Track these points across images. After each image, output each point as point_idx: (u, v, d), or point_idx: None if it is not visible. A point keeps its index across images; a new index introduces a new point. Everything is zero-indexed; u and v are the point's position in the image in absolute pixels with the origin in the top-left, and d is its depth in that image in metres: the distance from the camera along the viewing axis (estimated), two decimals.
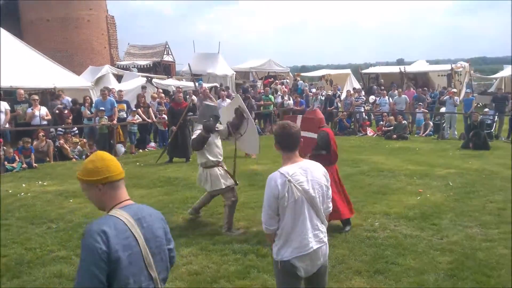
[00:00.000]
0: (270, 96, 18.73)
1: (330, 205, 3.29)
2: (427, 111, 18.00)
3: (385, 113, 17.44)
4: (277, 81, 25.91)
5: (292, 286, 3.15)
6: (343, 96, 21.04)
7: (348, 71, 29.55)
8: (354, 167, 10.24)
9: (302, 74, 33.90)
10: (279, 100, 19.70)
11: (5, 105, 12.09)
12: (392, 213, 6.90)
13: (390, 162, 11.04)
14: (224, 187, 6.34)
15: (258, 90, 19.31)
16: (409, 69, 28.14)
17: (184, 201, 7.82)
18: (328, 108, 18.49)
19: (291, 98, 19.71)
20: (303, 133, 6.82)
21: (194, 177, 9.60)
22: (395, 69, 28.50)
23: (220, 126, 6.73)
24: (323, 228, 3.20)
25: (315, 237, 3.12)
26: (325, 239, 3.21)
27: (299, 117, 6.60)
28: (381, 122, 17.48)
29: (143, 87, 17.13)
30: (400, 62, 64.78)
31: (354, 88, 22.42)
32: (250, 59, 31.76)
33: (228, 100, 16.45)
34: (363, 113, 18.89)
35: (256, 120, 17.03)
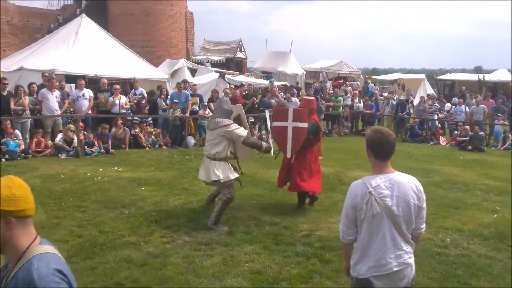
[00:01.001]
0: (339, 97, 18.50)
1: (423, 226, 3.03)
2: (507, 123, 16.98)
3: (461, 123, 16.66)
4: (347, 82, 25.54)
5: None
6: (416, 101, 20.33)
7: (422, 76, 28.50)
8: (425, 177, 9.86)
9: (373, 76, 33.13)
10: (349, 102, 19.41)
11: (89, 93, 12.85)
12: (466, 229, 6.55)
13: (465, 175, 10.54)
14: (232, 178, 6.45)
15: (327, 90, 19.10)
16: (489, 77, 26.63)
17: (249, 197, 7.90)
18: (400, 114, 17.97)
19: (361, 101, 19.36)
20: (294, 124, 7.12)
21: (261, 174, 9.77)
22: (473, 76, 27.12)
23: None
24: (408, 249, 2.94)
25: (397, 258, 2.88)
26: (410, 261, 2.95)
27: (290, 109, 7.26)
28: (456, 132, 16.69)
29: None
30: (478, 69, 61.48)
31: (428, 94, 21.59)
32: (321, 59, 31.54)
33: (294, 100, 16.44)
34: (437, 121, 18.18)
35: (324, 121, 16.87)
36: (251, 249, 5.61)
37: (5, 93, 11.38)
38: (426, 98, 19.22)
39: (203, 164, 6.63)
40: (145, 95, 14.27)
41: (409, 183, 2.95)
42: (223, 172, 6.37)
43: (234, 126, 6.45)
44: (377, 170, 2.97)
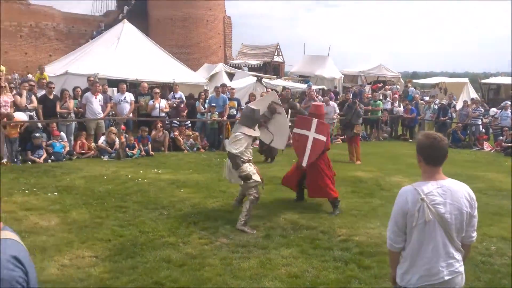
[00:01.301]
0: (378, 101, 18.26)
1: (474, 234, 2.96)
2: None
3: (506, 128, 16.13)
4: (386, 86, 25.19)
5: None
6: (458, 106, 19.83)
7: (465, 80, 27.77)
8: (469, 184, 9.45)
9: (414, 80, 32.51)
10: (388, 106, 19.13)
11: (130, 96, 13.19)
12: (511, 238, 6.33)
13: (510, 182, 10.19)
14: (257, 179, 6.60)
15: (365, 94, 18.88)
16: None
17: (286, 201, 7.89)
18: (442, 118, 17.57)
19: (401, 105, 19.04)
20: (315, 135, 7.27)
21: None
22: None
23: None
24: (459, 257, 2.88)
25: (449, 267, 2.82)
26: (461, 269, 2.89)
27: (315, 121, 7.40)
28: (501, 137, 16.16)
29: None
30: None
31: (472, 99, 21.02)
32: (359, 63, 31.20)
33: (332, 104, 16.34)
34: (480, 126, 17.66)
35: (363, 125, 16.68)
36: (288, 252, 5.61)
37: (51, 97, 11.84)
38: (469, 103, 18.74)
39: (227, 164, 6.79)
40: (184, 98, 14.52)
41: (462, 191, 2.88)
42: (253, 174, 6.57)
43: (235, 139, 6.52)
44: (428, 176, 2.90)
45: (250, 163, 6.69)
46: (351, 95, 18.50)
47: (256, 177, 6.62)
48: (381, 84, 26.99)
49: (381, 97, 19.43)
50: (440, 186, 2.84)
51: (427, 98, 21.04)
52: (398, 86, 26.90)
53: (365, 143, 16.18)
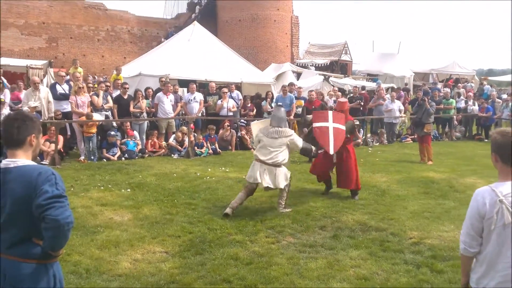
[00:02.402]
0: (451, 100, 17.48)
1: None
2: None
3: None
4: (459, 84, 24.06)
5: None
6: None
7: None
8: None
9: (489, 78, 30.82)
10: (462, 104, 18.29)
11: (200, 96, 13.50)
12: None
13: None
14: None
15: (437, 93, 18.10)
16: None
17: (354, 202, 7.74)
18: None
19: (475, 103, 18.13)
20: (334, 125, 7.59)
21: (366, 178, 9.55)
22: None
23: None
24: None
25: None
26: None
27: (330, 112, 8.03)
28: None
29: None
30: None
31: None
32: (431, 60, 29.97)
33: (396, 101, 15.85)
34: None
35: (434, 125, 16.04)
36: (356, 254, 5.49)
37: (126, 97, 12.37)
38: None
39: (264, 171, 7.01)
40: (241, 97, 14.62)
41: None
42: (287, 177, 7.17)
43: (295, 136, 7.38)
44: (505, 176, 2.74)
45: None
46: (421, 93, 17.85)
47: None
48: (452, 81, 25.85)
49: (452, 95, 18.60)
50: None
51: (504, 96, 19.86)
52: (472, 84, 25.64)
53: (437, 142, 15.57)
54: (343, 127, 7.75)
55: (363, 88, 18.57)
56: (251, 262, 5.21)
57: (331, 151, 7.48)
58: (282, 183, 7.04)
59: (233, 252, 5.48)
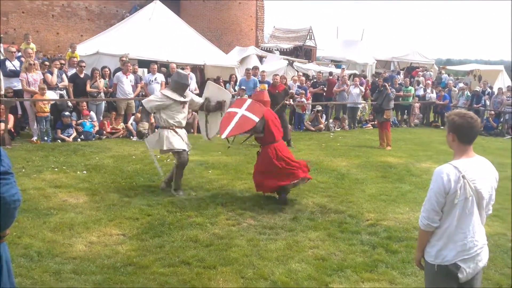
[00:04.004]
0: (410, 87, 17.88)
1: (491, 207, 3.07)
2: None
3: None
4: (419, 72, 24.63)
5: None
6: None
7: (501, 67, 26.89)
8: (500, 171, 9.20)
9: (447, 67, 31.68)
10: (421, 92, 18.74)
11: (161, 77, 13.20)
12: None
13: None
14: (166, 148, 6.96)
15: (395, 80, 18.39)
16: None
17: (315, 185, 7.80)
18: (475, 105, 17.09)
19: (434, 91, 18.61)
20: (245, 112, 6.95)
21: (327, 162, 9.66)
22: None
23: (193, 96, 7.53)
24: (484, 230, 3.03)
25: (480, 240, 2.95)
26: (486, 241, 3.03)
27: (249, 100, 7.34)
28: None
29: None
30: None
31: (508, 86, 20.33)
32: (393, 48, 30.46)
33: (359, 88, 16.06)
34: None
35: (394, 111, 16.36)
36: (315, 235, 5.56)
37: (82, 76, 11.96)
38: (505, 90, 18.15)
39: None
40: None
41: (490, 167, 3.02)
42: (171, 140, 6.98)
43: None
44: (461, 154, 2.96)
45: (170, 130, 6.99)
46: (382, 79, 18.16)
47: (177, 145, 6.98)
48: (420, 69, 26.41)
49: (413, 82, 19.02)
50: (474, 162, 2.94)
51: (460, 85, 20.50)
52: (431, 73, 26.28)
53: (396, 129, 15.90)
54: (256, 119, 6.82)
55: (331, 74, 18.67)
56: (211, 244, 5.18)
57: (223, 135, 6.89)
58: (157, 146, 7.15)
59: (193, 234, 5.44)
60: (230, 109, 7.22)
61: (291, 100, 14.26)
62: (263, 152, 6.95)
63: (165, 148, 6.97)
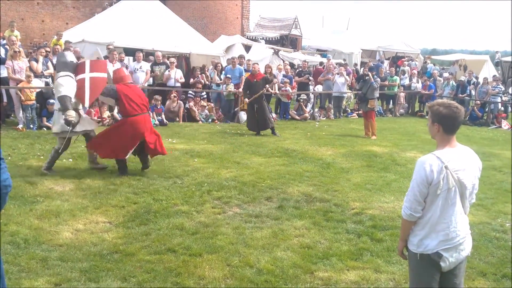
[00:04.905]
0: (395, 77, 18.00)
1: (475, 197, 3.10)
2: None
3: None
4: (404, 62, 24.75)
5: (431, 280, 2.97)
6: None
7: (486, 57, 27.17)
8: (485, 161, 9.34)
9: (433, 57, 31.90)
10: (406, 82, 18.87)
11: (146, 66, 13.11)
12: None
13: None
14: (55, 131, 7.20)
15: (381, 69, 18.52)
16: None
17: (300, 174, 7.87)
18: (460, 95, 17.28)
19: (419, 81, 18.78)
20: (91, 74, 7.20)
21: (312, 151, 9.73)
22: None
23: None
24: (467, 219, 3.04)
25: (463, 229, 2.96)
26: (469, 230, 3.05)
27: (88, 61, 7.65)
28: None
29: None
30: None
31: (494, 76, 20.58)
32: (378, 37, 30.56)
33: (345, 77, 16.12)
34: (499, 104, 17.31)
35: (379, 101, 16.48)
36: (301, 224, 5.61)
37: None
38: (490, 80, 18.37)
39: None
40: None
41: (474, 157, 3.03)
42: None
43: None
44: (445, 144, 2.96)
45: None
46: (367, 68, 18.25)
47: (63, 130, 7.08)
48: (406, 58, 26.56)
49: (399, 73, 19.14)
50: (457, 153, 2.94)
51: (446, 75, 20.67)
52: (416, 62, 26.42)
53: (381, 118, 16.04)
54: (103, 75, 7.30)
55: (321, 63, 18.70)
56: (197, 232, 5.21)
57: (86, 104, 7.27)
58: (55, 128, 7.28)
59: (179, 222, 5.46)
60: (77, 77, 7.34)
61: (276, 89, 14.30)
62: (119, 122, 7.58)
63: (89, 128, 7.39)
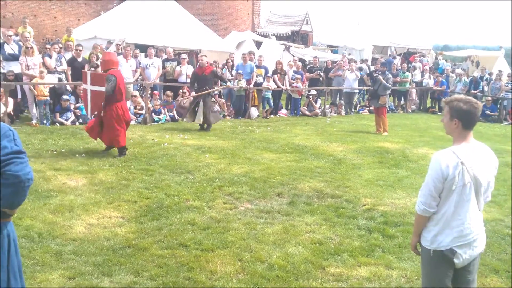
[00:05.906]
0: (406, 73, 17.87)
1: (490, 194, 3.06)
2: None
3: None
4: (416, 58, 24.58)
5: (444, 277, 2.95)
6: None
7: (499, 53, 26.85)
8: (498, 157, 9.23)
9: (445, 53, 31.61)
10: (418, 78, 18.73)
11: (158, 62, 13.16)
12: None
13: None
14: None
15: (393, 65, 18.40)
16: None
17: (311, 170, 7.87)
18: (473, 91, 17.11)
19: (431, 77, 18.62)
20: (91, 87, 8.08)
21: (323, 147, 9.71)
22: None
23: None
24: (481, 216, 3.01)
25: (477, 226, 2.94)
26: (483, 227, 3.02)
27: (89, 73, 8.43)
28: None
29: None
30: None
31: (508, 74, 20.33)
32: (390, 33, 30.34)
33: (355, 73, 16.01)
34: None
35: (391, 97, 16.38)
36: (312, 220, 5.62)
37: (80, 60, 11.91)
38: (504, 76, 18.13)
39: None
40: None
41: (490, 153, 3.00)
42: None
43: None
44: (461, 140, 2.94)
45: None
46: (379, 64, 18.13)
47: None
48: (418, 54, 26.35)
49: (411, 69, 18.99)
50: (473, 149, 2.92)
51: (458, 71, 20.49)
52: (428, 58, 26.22)
53: (392, 114, 15.96)
54: (102, 89, 7.91)
55: (334, 62, 18.63)
56: (208, 227, 5.24)
57: (89, 115, 8.30)
58: None
59: (190, 217, 5.49)
60: (83, 86, 8.62)
61: (287, 85, 14.28)
62: (111, 107, 7.96)
63: None
